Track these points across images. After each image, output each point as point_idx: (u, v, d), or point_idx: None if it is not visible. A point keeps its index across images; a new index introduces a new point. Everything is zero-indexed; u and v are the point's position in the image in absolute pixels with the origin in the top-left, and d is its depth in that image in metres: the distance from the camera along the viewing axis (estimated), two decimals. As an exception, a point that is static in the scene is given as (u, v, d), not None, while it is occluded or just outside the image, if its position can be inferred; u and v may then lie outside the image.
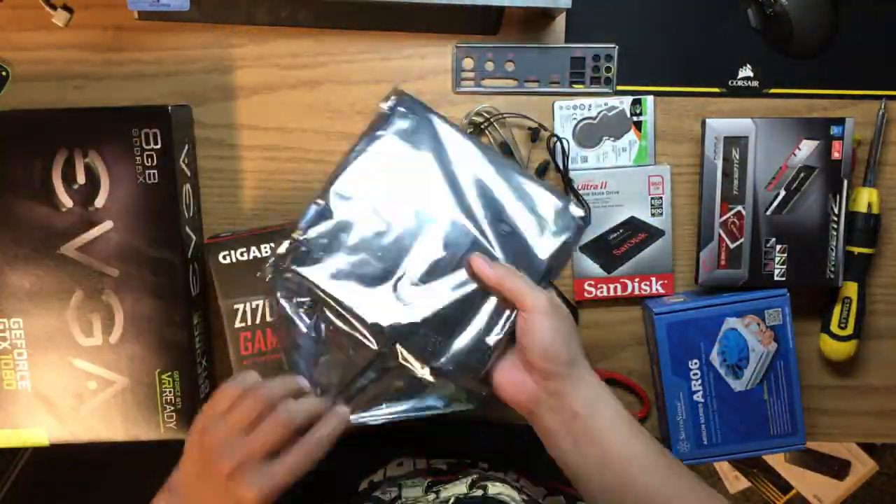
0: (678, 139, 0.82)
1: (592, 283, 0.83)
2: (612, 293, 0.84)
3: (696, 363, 0.80)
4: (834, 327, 0.82)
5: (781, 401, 0.80)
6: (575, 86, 0.80)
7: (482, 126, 0.79)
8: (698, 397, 0.80)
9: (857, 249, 0.81)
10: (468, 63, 0.80)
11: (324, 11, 0.79)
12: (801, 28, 0.78)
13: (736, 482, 1.67)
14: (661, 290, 0.84)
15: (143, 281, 0.77)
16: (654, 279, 0.84)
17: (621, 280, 0.83)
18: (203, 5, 0.78)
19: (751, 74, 0.80)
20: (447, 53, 0.80)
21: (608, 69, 0.79)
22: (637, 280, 0.83)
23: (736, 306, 0.79)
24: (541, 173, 0.81)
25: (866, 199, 0.80)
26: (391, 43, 0.80)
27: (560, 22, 0.80)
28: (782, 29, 0.79)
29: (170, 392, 0.79)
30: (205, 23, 0.79)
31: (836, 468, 1.55)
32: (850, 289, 0.81)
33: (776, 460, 1.59)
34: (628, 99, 0.81)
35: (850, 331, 0.82)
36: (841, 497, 1.58)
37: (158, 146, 0.75)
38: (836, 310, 0.82)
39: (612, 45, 0.80)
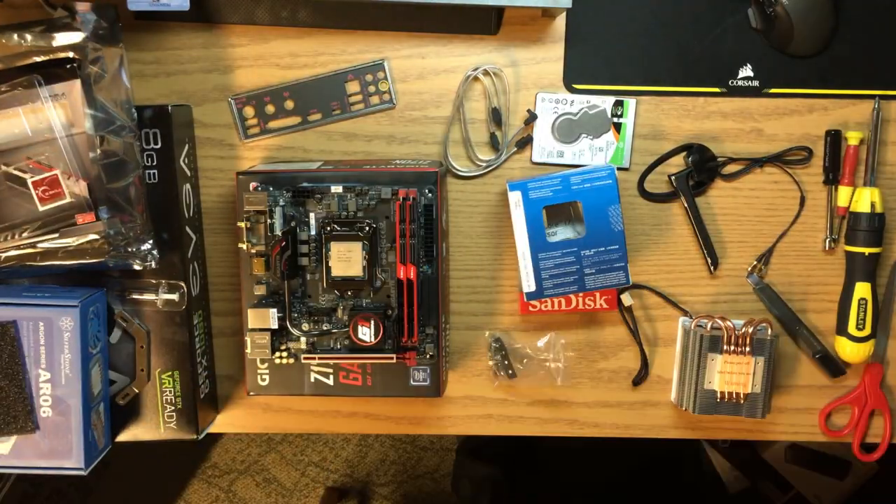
0: (678, 139, 0.82)
1: None
2: (556, 307, 0.84)
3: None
4: (852, 329, 0.82)
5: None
6: (354, 107, 0.80)
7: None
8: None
9: (866, 250, 0.81)
10: (249, 111, 0.80)
11: (324, 11, 0.79)
12: (801, 28, 0.78)
13: (736, 482, 1.66)
14: (606, 305, 0.84)
15: (144, 280, 0.77)
16: (598, 294, 0.83)
17: (566, 294, 0.82)
18: (203, 5, 0.78)
19: (751, 74, 0.80)
20: (448, 54, 0.80)
21: (383, 84, 0.79)
22: (581, 294, 0.83)
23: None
24: (521, 145, 0.82)
25: (868, 198, 0.80)
26: (391, 43, 0.80)
27: (560, 22, 0.80)
28: (782, 29, 0.79)
29: (170, 392, 0.79)
30: (205, 23, 0.79)
31: (836, 468, 1.54)
32: (865, 290, 0.82)
33: (777, 460, 1.59)
34: (611, 99, 0.81)
35: (868, 331, 0.82)
36: (841, 497, 1.57)
37: (158, 146, 0.75)
38: (853, 312, 0.82)
39: (381, 60, 0.79)
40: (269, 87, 0.80)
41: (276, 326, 0.75)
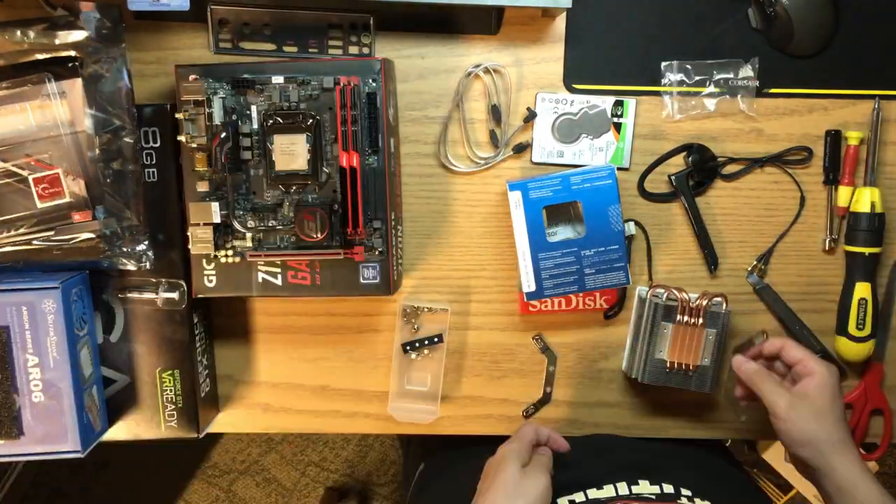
0: (678, 139, 0.82)
1: None
2: (556, 307, 0.84)
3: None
4: (852, 329, 0.82)
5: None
6: (332, 51, 0.78)
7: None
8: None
9: (866, 250, 0.80)
10: (225, 28, 0.78)
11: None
12: (801, 28, 0.78)
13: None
14: (606, 305, 0.84)
15: (143, 279, 0.77)
16: (597, 294, 0.84)
17: (566, 294, 0.81)
18: (203, 5, 0.78)
19: (751, 74, 0.80)
20: (448, 54, 0.80)
21: (365, 36, 0.78)
22: (581, 294, 0.83)
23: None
24: (517, 151, 0.81)
25: (869, 198, 0.80)
26: (391, 43, 0.80)
27: (560, 22, 0.80)
28: (782, 29, 0.79)
29: (170, 391, 0.79)
30: (204, 22, 0.79)
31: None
32: (864, 290, 0.81)
33: (777, 460, 1.59)
34: (611, 99, 0.81)
35: (867, 331, 0.82)
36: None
37: (157, 144, 0.75)
38: (853, 312, 0.82)
39: (368, 14, 0.77)
40: (252, 8, 0.78)
41: (218, 220, 0.74)
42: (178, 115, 0.72)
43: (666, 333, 0.80)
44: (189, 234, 0.74)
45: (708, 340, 0.79)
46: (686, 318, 0.79)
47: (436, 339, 0.83)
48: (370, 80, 0.72)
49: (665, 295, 0.81)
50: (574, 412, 0.87)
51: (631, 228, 0.82)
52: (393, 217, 0.76)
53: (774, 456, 1.59)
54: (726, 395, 0.86)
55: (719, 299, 0.80)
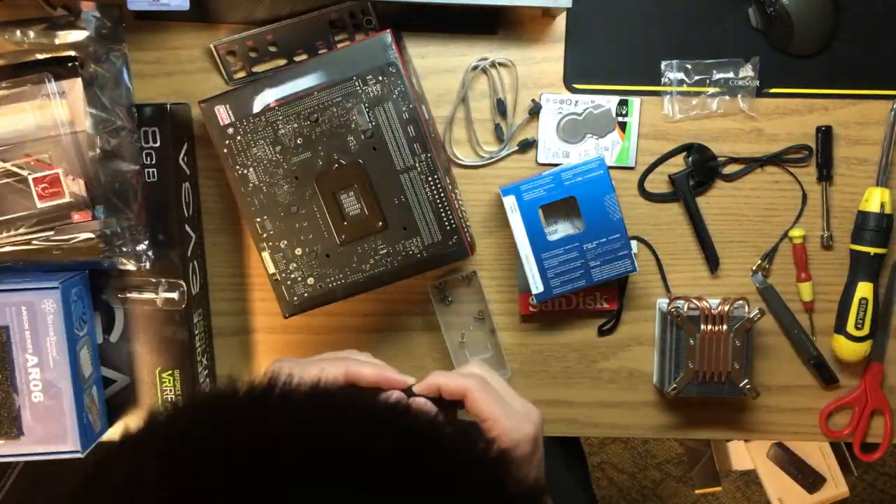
0: (678, 139, 0.82)
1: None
2: (556, 307, 0.84)
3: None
4: (850, 328, 0.82)
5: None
6: (341, 44, 0.78)
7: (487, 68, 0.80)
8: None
9: (871, 250, 0.80)
10: (232, 59, 0.78)
11: (324, 11, 0.79)
12: (801, 28, 0.78)
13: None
14: (606, 305, 0.84)
15: (143, 279, 0.77)
16: (597, 294, 0.84)
17: (566, 295, 0.81)
18: (203, 5, 0.78)
19: (751, 74, 0.80)
20: (448, 54, 0.80)
21: (368, 21, 0.77)
22: (581, 294, 0.83)
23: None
24: (523, 147, 0.81)
25: (879, 199, 0.80)
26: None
27: (560, 21, 0.80)
28: (783, 29, 0.79)
29: (170, 391, 0.79)
30: (204, 22, 0.79)
31: (810, 480, 1.50)
32: (866, 289, 0.81)
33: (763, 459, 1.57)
34: (615, 99, 0.81)
35: (866, 331, 0.82)
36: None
37: (157, 144, 0.75)
38: (853, 311, 0.82)
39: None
40: (250, 31, 0.78)
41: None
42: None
43: (693, 344, 0.80)
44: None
45: (735, 346, 0.79)
46: (710, 326, 0.79)
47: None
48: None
49: (686, 305, 0.80)
50: (574, 412, 0.87)
51: (633, 248, 0.82)
52: (449, 181, 0.75)
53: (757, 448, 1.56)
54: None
55: (741, 302, 0.79)
